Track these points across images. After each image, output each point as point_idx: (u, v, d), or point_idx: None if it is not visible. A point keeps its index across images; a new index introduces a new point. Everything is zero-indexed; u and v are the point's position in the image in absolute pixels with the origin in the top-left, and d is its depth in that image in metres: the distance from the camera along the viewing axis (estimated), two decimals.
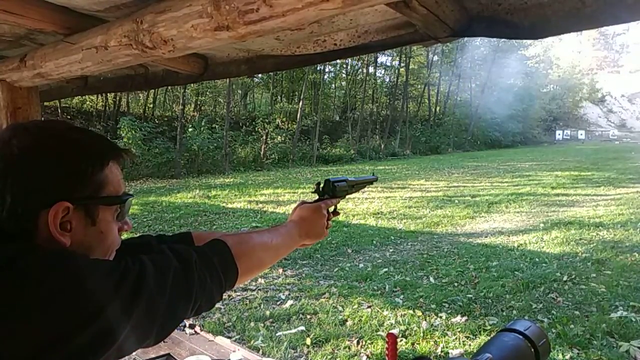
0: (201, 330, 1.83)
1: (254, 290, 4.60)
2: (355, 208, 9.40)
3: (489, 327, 3.73)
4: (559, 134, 47.86)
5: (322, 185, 1.27)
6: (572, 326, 3.74)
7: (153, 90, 22.51)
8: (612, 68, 76.90)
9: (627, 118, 62.08)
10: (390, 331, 2.62)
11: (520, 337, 0.79)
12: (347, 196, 1.38)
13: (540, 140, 43.85)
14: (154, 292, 0.69)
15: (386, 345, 1.26)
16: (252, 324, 3.81)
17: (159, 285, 0.71)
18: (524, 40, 41.16)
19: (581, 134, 48.76)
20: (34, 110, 2.22)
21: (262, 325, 3.79)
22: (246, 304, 4.25)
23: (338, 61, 32.00)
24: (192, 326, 1.76)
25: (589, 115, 60.31)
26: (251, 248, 0.95)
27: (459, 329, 3.70)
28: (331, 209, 1.26)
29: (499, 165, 20.68)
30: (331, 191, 1.27)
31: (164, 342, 1.84)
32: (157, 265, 0.73)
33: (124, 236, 0.88)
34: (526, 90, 42.27)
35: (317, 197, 1.27)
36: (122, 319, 0.63)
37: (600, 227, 7.39)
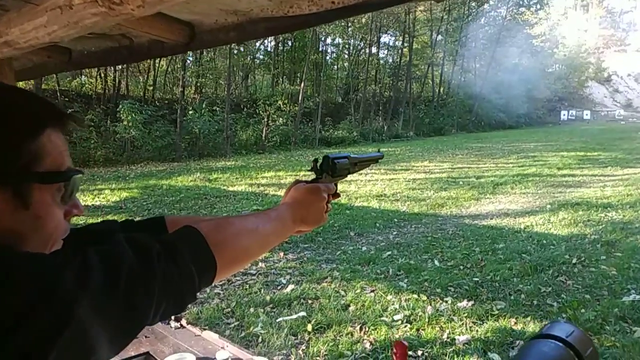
0: (188, 323, 1.68)
1: (254, 274, 4.47)
2: (358, 190, 9.24)
3: (496, 312, 3.60)
4: (564, 114, 47.33)
5: (320, 163, 1.08)
6: (583, 311, 3.60)
7: (153, 73, 22.26)
8: (618, 47, 75.53)
9: (633, 98, 61.24)
10: (400, 340, 2.46)
11: (562, 345, 0.62)
12: (349, 176, 1.20)
13: (545, 121, 43.35)
14: (100, 295, 0.53)
15: (394, 357, 1.08)
16: (251, 309, 3.69)
17: (107, 285, 0.55)
18: (530, 19, 40.51)
19: (587, 114, 48.24)
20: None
21: (262, 310, 3.67)
22: (246, 289, 4.13)
23: (340, 40, 31.62)
24: (177, 319, 1.61)
25: (594, 95, 59.53)
26: (233, 235, 0.77)
27: (466, 314, 3.56)
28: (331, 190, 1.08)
29: (504, 146, 20.42)
30: (331, 169, 1.08)
31: (145, 337, 1.70)
32: (106, 260, 0.57)
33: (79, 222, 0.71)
34: (531, 70, 41.65)
35: (314, 176, 1.08)
36: (54, 331, 0.48)
37: (608, 208, 7.21)
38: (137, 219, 0.94)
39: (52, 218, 0.63)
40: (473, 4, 37.22)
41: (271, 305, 3.77)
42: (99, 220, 0.97)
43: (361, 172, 1.35)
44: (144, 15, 1.85)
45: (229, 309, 3.72)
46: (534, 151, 17.58)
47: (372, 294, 3.99)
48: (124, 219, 0.94)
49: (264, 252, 0.91)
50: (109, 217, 6.92)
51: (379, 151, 1.35)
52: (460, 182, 10.20)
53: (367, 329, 3.36)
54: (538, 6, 44.09)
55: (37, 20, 1.42)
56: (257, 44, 28.55)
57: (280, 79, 26.82)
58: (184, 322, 1.62)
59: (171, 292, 0.63)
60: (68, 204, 0.67)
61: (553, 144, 20.88)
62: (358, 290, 4.07)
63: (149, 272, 0.60)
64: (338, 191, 1.12)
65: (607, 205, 7.43)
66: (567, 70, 51.83)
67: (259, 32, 1.60)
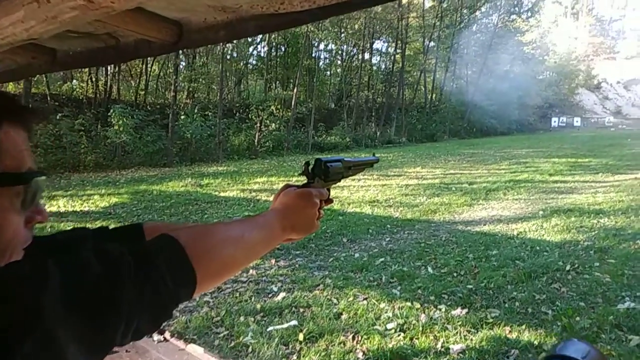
0: (172, 336, 1.59)
1: (244, 282, 4.38)
2: (351, 196, 9.19)
3: (491, 320, 3.54)
4: (555, 121, 47.78)
5: (312, 166, 1.02)
6: (578, 319, 3.55)
7: (145, 77, 22.13)
8: (608, 54, 76.58)
9: (622, 105, 61.95)
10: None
11: None
12: (342, 181, 1.13)
13: (536, 128, 43.73)
14: (60, 311, 0.47)
15: None
16: (242, 318, 3.60)
17: (67, 301, 0.48)
18: (521, 26, 40.90)
19: (577, 121, 48.74)
20: None
21: (253, 319, 3.58)
22: (236, 297, 4.04)
23: (332, 46, 31.67)
24: (161, 331, 1.53)
25: (584, 102, 60.14)
26: (215, 244, 0.70)
27: (460, 322, 3.50)
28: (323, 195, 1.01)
29: (496, 152, 20.50)
30: (323, 174, 1.01)
31: (125, 351, 1.62)
32: (68, 274, 0.50)
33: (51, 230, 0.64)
34: (522, 77, 41.99)
35: (306, 180, 1.02)
36: (9, 353, 0.41)
37: (600, 214, 7.21)
38: (112, 226, 0.86)
39: (8, 226, 0.57)
40: (465, 11, 37.57)
41: (262, 314, 3.68)
42: (81, 227, 0.90)
43: (354, 177, 1.28)
44: (129, 13, 1.79)
45: (219, 318, 3.62)
46: (526, 157, 17.66)
47: (365, 302, 3.92)
48: (97, 226, 0.87)
49: (250, 262, 0.83)
50: (98, 223, 6.81)
51: (373, 155, 1.28)
52: (453, 188, 10.18)
53: (359, 338, 3.29)
54: (529, 14, 44.62)
55: (13, 15, 1.34)
56: (250, 49, 28.56)
57: (273, 84, 26.80)
58: (167, 334, 1.54)
59: (144, 309, 0.56)
60: (29, 210, 0.60)
61: (544, 150, 21.00)
62: (351, 298, 4.00)
63: (117, 287, 0.54)
64: (331, 197, 1.06)
65: (599, 211, 7.43)
66: (558, 77, 52.31)
67: (249, 30, 1.54)
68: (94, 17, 1.29)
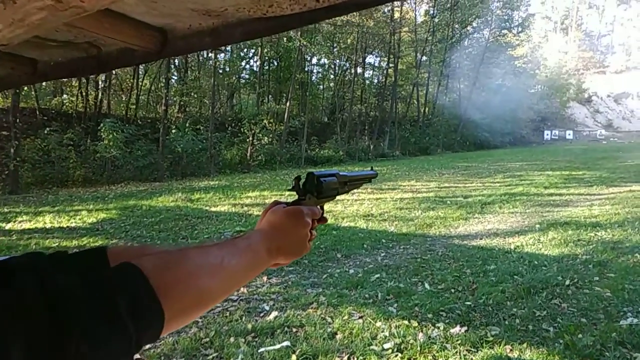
0: None
1: (235, 300, 4.23)
2: (345, 210, 9.07)
3: (491, 339, 3.41)
4: (547, 134, 48.13)
5: (303, 181, 0.92)
6: (580, 336, 3.44)
7: (136, 91, 22.06)
8: (597, 68, 77.70)
9: (613, 118, 62.66)
10: None
11: None
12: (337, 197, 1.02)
13: (529, 141, 44.02)
14: None
15: None
16: (232, 339, 3.45)
17: None
18: (512, 41, 41.41)
19: (569, 134, 49.14)
20: None
21: (243, 340, 3.43)
22: (226, 316, 3.88)
23: (325, 61, 31.79)
24: None
25: (576, 116, 60.75)
26: (188, 274, 0.59)
27: (459, 341, 3.37)
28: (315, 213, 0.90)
29: (489, 165, 20.53)
30: (316, 189, 0.91)
31: None
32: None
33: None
34: (514, 91, 42.42)
35: (296, 197, 0.92)
36: None
37: (597, 227, 7.14)
38: (100, 243, 0.73)
39: None
40: (457, 26, 38.00)
41: (253, 334, 3.53)
42: (52, 249, 0.77)
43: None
44: (109, 20, 1.68)
45: (208, 339, 3.47)
46: (520, 170, 17.67)
47: (361, 321, 3.78)
48: (53, 251, 0.74)
49: (231, 293, 0.72)
50: (85, 240, 6.63)
51: (371, 169, 1.17)
52: (448, 202, 10.10)
53: (355, 359, 3.15)
54: (519, 28, 45.20)
55: None
56: (243, 63, 28.61)
57: (266, 98, 26.79)
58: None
59: (96, 356, 0.45)
60: None
61: (538, 163, 21.05)
62: (345, 317, 3.86)
63: (61, 328, 0.43)
64: (325, 214, 0.94)
65: (596, 224, 7.36)
66: (549, 91, 52.89)
67: (236, 36, 1.44)
68: (64, 18, 1.18)
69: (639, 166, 18.06)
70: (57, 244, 6.49)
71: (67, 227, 7.70)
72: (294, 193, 0.91)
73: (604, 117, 63.35)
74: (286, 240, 0.80)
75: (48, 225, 7.77)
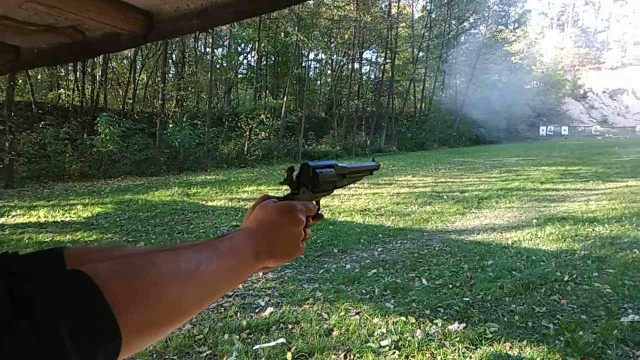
0: None
1: (230, 296, 4.16)
2: (342, 204, 9.00)
3: (490, 336, 3.36)
4: (543, 130, 48.22)
5: (297, 173, 0.81)
6: (581, 333, 3.38)
7: (132, 86, 21.88)
8: (593, 65, 77.84)
9: (608, 114, 62.81)
10: None
11: None
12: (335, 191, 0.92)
13: (525, 136, 44.08)
14: None
15: None
16: (226, 336, 3.38)
17: None
18: (509, 37, 41.34)
19: (564, 130, 49.25)
20: None
21: (238, 337, 3.36)
22: (220, 312, 3.81)
23: (322, 56, 31.65)
24: None
25: (571, 111, 60.84)
26: (153, 283, 0.49)
27: (457, 338, 3.31)
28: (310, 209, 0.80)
29: (486, 160, 20.49)
30: (311, 182, 0.81)
31: None
32: None
33: None
34: (510, 86, 42.40)
35: (289, 191, 0.81)
36: None
37: (595, 223, 7.09)
38: (27, 251, 0.63)
39: None
40: (454, 22, 37.89)
41: (247, 331, 3.46)
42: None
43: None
44: (94, 2, 1.60)
45: (201, 336, 3.40)
46: (516, 165, 17.64)
47: (357, 317, 3.71)
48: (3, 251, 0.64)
49: (209, 304, 0.61)
50: (79, 235, 6.55)
51: (373, 160, 1.08)
52: (445, 197, 10.05)
53: (352, 356, 3.09)
54: (516, 24, 45.19)
55: None
56: (241, 58, 28.43)
57: (263, 93, 26.67)
58: None
59: None
60: None
61: (534, 158, 21.03)
62: (342, 313, 3.79)
63: None
64: (320, 211, 0.85)
65: (593, 219, 7.32)
66: (545, 87, 52.90)
67: (226, 17, 1.36)
68: None
69: (635, 162, 18.07)
70: (50, 238, 6.40)
71: (62, 221, 7.60)
72: (287, 186, 0.81)
73: (599, 113, 63.48)
74: (277, 241, 0.71)
75: (42, 220, 7.66)
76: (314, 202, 0.81)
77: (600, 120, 60.64)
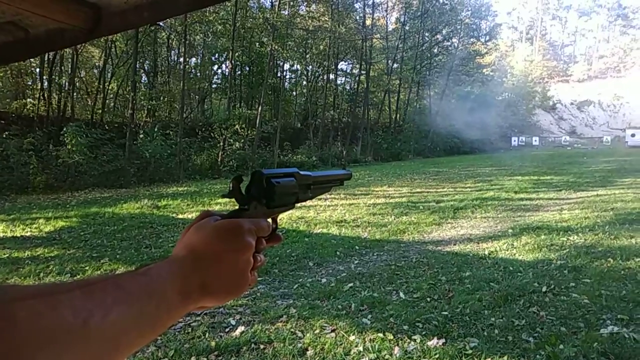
0: None
1: (198, 314, 3.93)
2: (317, 216, 8.84)
3: (470, 351, 3.24)
4: (515, 140, 49.27)
5: (246, 184, 0.63)
6: (562, 347, 3.30)
7: (102, 95, 21.36)
8: (561, 77, 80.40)
9: (577, 125, 64.82)
10: None
11: None
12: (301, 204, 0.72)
13: (497, 147, 44.76)
14: None
15: None
16: (193, 359, 3.16)
17: None
18: (480, 49, 42.29)
19: (535, 140, 50.47)
20: None
21: None
22: (188, 333, 3.58)
23: (298, 67, 31.61)
24: None
25: (541, 122, 62.51)
26: (15, 346, 0.31)
27: (437, 355, 3.18)
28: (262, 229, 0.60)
29: (460, 170, 20.68)
30: (265, 194, 0.62)
31: None
32: None
33: None
34: (482, 98, 43.23)
35: (237, 206, 0.62)
36: None
37: (569, 232, 7.12)
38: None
39: None
40: (427, 34, 38.51)
41: (216, 353, 3.25)
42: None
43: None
44: None
45: (167, 359, 3.17)
46: (490, 175, 17.83)
47: (333, 335, 3.54)
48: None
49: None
50: (39, 250, 6.19)
51: (344, 168, 0.90)
52: (421, 207, 10.00)
53: None
54: (487, 37, 46.24)
55: None
56: (215, 67, 28.14)
57: (238, 103, 26.39)
58: None
59: None
60: None
61: (507, 168, 21.34)
62: (317, 331, 3.62)
63: None
64: (278, 231, 0.66)
65: (568, 228, 7.35)
66: (516, 98, 54.23)
67: (179, 7, 1.19)
68: None
69: (603, 171, 18.53)
70: (7, 255, 6.02)
71: (21, 236, 7.20)
72: (232, 200, 0.62)
73: (567, 124, 65.45)
74: (214, 273, 0.53)
75: (0, 235, 7.25)
76: (269, 219, 0.63)
77: (569, 131, 62.49)
